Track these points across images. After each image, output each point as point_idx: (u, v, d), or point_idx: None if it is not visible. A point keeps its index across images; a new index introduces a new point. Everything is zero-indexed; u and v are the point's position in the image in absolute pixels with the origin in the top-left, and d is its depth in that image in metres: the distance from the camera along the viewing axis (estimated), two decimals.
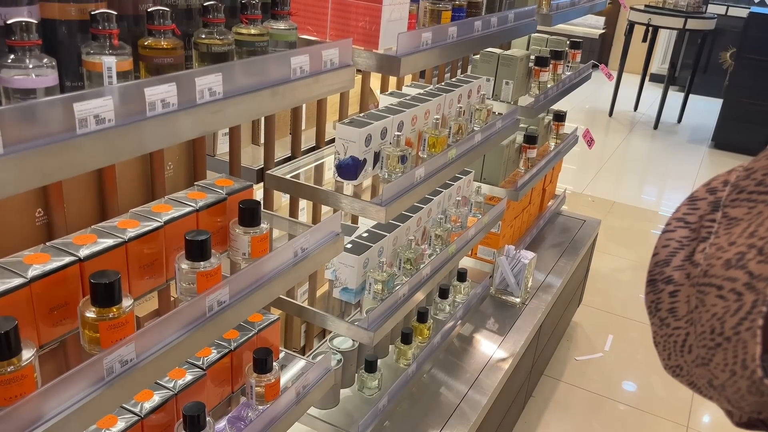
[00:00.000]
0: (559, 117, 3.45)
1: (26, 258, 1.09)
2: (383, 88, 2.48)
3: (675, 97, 8.43)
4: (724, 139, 7.22)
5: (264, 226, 1.45)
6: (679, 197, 5.85)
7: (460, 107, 2.29)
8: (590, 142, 3.70)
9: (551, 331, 3.26)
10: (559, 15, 2.68)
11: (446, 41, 1.83)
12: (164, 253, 1.31)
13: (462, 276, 2.68)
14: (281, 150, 2.07)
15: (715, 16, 7.51)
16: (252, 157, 2.09)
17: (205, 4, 1.14)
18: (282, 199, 2.27)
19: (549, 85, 2.94)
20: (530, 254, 2.88)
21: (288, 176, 1.92)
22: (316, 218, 2.37)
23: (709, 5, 7.93)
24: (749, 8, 8.00)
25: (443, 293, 2.57)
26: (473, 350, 2.58)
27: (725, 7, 9.02)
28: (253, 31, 1.23)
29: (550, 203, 3.75)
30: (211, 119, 1.08)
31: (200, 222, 1.37)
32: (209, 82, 1.06)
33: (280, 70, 1.23)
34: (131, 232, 1.22)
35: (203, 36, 1.16)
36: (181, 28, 1.17)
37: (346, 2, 1.67)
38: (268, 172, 1.90)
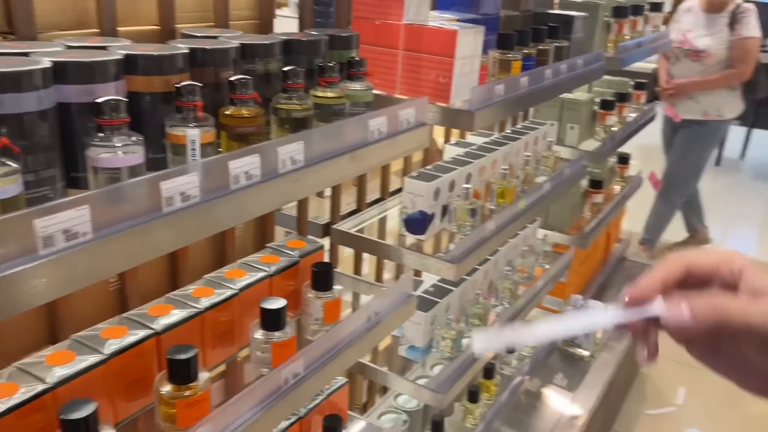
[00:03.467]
0: (624, 159, 3.33)
1: (103, 332, 1.06)
2: (447, 137, 2.44)
3: (737, 131, 8.12)
4: None
5: (337, 288, 1.40)
6: (745, 236, 5.58)
7: (528, 155, 2.22)
8: (656, 183, 3.56)
9: (622, 385, 3.09)
10: (627, 58, 2.59)
11: (518, 92, 1.77)
12: (237, 320, 1.27)
13: None
14: (345, 199, 2.03)
15: None
16: (316, 209, 2.06)
17: (285, 70, 1.12)
18: (345, 250, 2.22)
19: (615, 129, 2.84)
20: (599, 304, 2.75)
21: (353, 230, 1.88)
22: (378, 269, 2.31)
23: None
24: None
25: None
26: (542, 407, 2.45)
27: None
28: (330, 94, 1.20)
29: (614, 247, 3.61)
30: (292, 188, 1.05)
31: (273, 287, 1.33)
32: (291, 150, 1.03)
33: (358, 134, 1.20)
34: (206, 302, 1.19)
35: (282, 101, 1.13)
36: (259, 92, 1.14)
37: (417, 56, 1.63)
38: (334, 227, 1.86)
